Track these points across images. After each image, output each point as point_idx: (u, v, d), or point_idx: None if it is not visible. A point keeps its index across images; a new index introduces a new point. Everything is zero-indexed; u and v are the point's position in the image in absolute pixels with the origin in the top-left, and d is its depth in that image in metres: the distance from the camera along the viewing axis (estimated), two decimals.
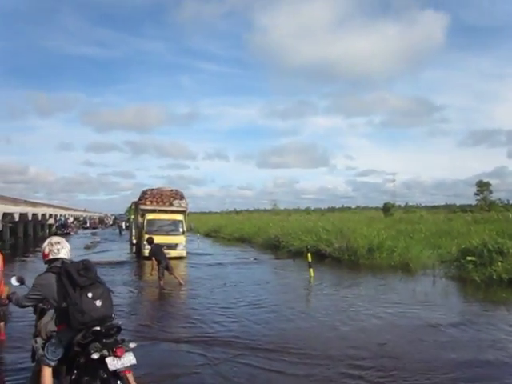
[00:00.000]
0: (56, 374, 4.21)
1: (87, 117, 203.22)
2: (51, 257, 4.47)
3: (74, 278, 3.97)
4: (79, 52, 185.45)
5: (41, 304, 4.69)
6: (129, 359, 3.96)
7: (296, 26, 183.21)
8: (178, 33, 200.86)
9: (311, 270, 14.02)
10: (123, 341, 4.07)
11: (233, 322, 8.75)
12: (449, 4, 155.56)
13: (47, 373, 4.15)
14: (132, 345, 4.12)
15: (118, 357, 3.89)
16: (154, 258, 13.03)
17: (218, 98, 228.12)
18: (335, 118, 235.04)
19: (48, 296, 4.26)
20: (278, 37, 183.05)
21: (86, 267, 4.11)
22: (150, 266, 13.32)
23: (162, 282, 12.70)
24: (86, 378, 3.99)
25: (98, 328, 3.93)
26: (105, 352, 3.89)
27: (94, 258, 18.66)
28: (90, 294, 3.97)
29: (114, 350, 3.91)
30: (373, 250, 17.26)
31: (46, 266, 4.49)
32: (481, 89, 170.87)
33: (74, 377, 4.08)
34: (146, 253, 19.37)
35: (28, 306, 4.61)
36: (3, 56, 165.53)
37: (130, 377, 4.19)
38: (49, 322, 4.48)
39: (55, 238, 4.70)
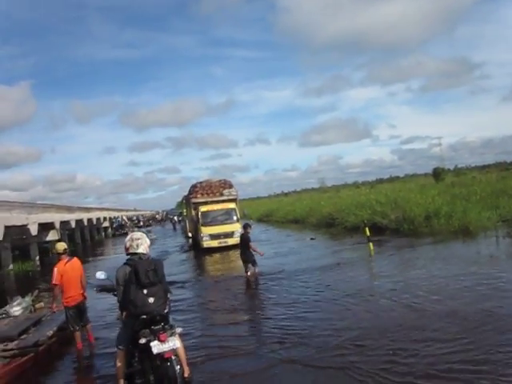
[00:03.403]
0: (132, 356, 4.79)
1: (126, 118, 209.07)
2: (131, 251, 5.02)
3: (140, 276, 4.50)
4: (110, 56, 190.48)
5: None
6: (173, 343, 4.49)
7: (320, 0, 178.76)
8: (204, 24, 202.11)
9: (371, 244, 14.09)
10: (171, 327, 4.61)
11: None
12: None
13: (119, 355, 4.80)
14: (178, 329, 4.67)
15: (162, 341, 4.42)
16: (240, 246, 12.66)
17: (251, 83, 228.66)
18: (372, 88, 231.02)
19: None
20: (303, 14, 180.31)
21: (155, 269, 4.60)
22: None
23: (248, 273, 12.23)
24: (146, 361, 4.57)
25: (144, 316, 4.45)
26: (152, 337, 4.44)
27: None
28: (145, 291, 4.48)
29: (158, 335, 4.44)
30: (430, 218, 17.32)
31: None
32: None
33: (136, 359, 4.68)
34: (205, 244, 20.35)
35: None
36: (38, 69, 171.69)
37: (183, 358, 4.80)
38: None
39: (136, 234, 5.22)
